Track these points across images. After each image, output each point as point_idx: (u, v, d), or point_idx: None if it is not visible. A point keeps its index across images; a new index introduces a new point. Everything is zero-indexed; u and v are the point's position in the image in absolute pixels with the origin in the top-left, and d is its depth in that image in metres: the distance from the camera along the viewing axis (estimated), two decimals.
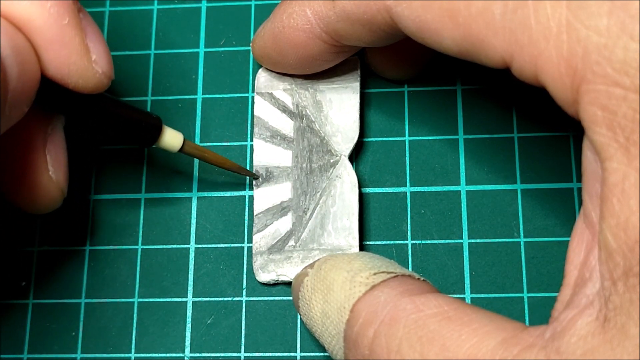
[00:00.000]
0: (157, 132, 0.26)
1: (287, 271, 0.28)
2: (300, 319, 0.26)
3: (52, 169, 0.25)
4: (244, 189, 0.30)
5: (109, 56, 0.24)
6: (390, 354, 0.21)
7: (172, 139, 0.27)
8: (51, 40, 0.22)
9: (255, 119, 0.30)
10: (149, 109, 0.31)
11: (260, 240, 0.29)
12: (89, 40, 0.23)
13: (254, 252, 0.29)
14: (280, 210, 0.29)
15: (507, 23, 0.19)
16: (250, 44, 0.30)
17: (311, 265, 0.25)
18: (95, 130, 0.30)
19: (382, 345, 0.21)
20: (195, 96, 0.31)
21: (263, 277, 0.28)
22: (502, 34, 0.20)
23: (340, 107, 0.29)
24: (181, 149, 0.27)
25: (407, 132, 0.30)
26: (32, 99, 0.23)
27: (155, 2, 0.33)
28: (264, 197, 0.29)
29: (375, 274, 0.23)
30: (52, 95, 0.24)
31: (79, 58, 0.23)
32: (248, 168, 0.30)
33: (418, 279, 0.23)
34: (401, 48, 0.28)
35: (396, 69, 0.30)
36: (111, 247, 0.30)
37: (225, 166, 0.29)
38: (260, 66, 0.30)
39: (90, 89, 0.24)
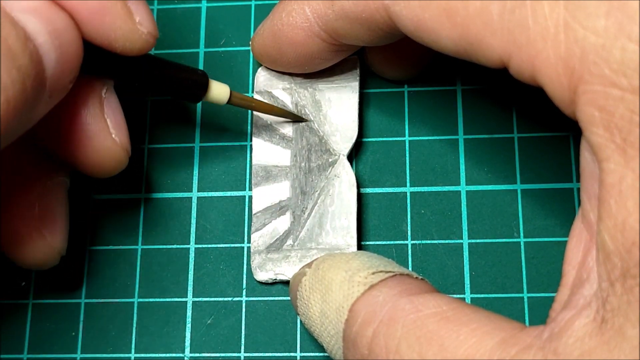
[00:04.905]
0: (204, 87, 0.27)
1: (285, 270, 0.28)
2: (299, 318, 0.26)
3: (114, 132, 0.25)
4: (244, 189, 0.30)
5: (152, 15, 0.24)
6: (389, 353, 0.21)
7: (219, 92, 0.27)
8: (94, 10, 0.23)
9: (254, 118, 0.30)
10: (149, 109, 0.31)
11: (259, 239, 0.29)
12: (130, 3, 0.23)
13: (252, 251, 0.29)
14: (279, 209, 0.29)
15: (505, 23, 0.19)
16: (250, 42, 0.30)
17: (309, 265, 0.25)
18: (144, 90, 0.31)
19: (380, 345, 0.21)
20: None
21: (261, 276, 0.28)
22: (500, 34, 0.20)
23: (339, 107, 0.29)
24: (229, 101, 0.27)
25: (407, 132, 0.30)
26: (76, 74, 0.23)
27: (155, 2, 0.33)
28: (262, 196, 0.29)
29: (373, 273, 0.23)
30: (100, 62, 0.24)
31: (123, 22, 0.23)
32: (248, 168, 0.30)
33: (416, 278, 0.23)
34: (401, 48, 0.28)
35: (396, 69, 0.30)
36: (111, 247, 0.30)
37: (274, 112, 0.29)
38: (261, 66, 0.30)
39: (138, 50, 0.24)
